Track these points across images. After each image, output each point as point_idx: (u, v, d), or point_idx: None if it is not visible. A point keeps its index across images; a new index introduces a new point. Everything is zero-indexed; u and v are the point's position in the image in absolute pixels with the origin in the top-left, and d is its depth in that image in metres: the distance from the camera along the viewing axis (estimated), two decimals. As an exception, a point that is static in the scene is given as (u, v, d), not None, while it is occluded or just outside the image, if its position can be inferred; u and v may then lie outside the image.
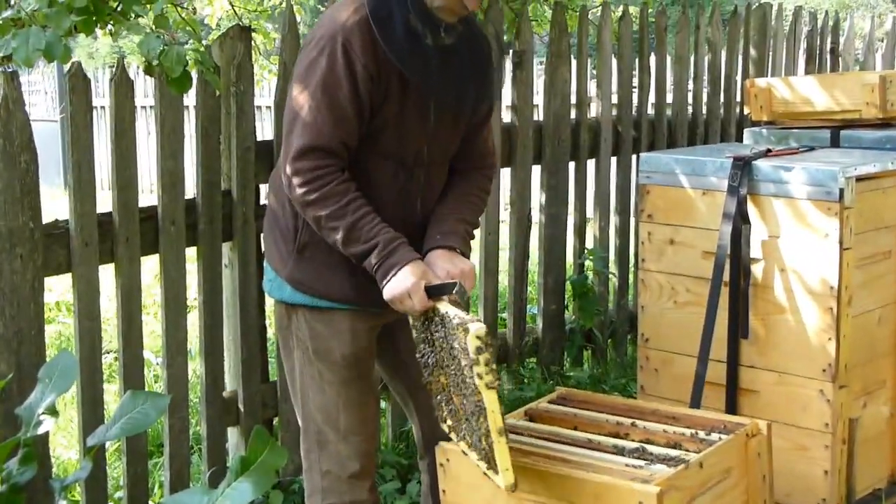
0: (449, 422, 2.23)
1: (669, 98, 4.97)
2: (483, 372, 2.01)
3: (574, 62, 4.45)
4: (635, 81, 4.81)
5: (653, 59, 4.90)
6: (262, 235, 2.65)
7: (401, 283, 2.14)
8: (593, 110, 4.65)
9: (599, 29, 4.61)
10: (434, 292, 2.17)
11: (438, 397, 2.24)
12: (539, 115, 4.33)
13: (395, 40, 2.13)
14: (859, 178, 3.06)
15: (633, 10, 5.64)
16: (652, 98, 4.86)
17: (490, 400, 2.03)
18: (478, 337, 2.01)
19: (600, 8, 4.77)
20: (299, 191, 2.16)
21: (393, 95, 2.19)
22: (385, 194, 2.27)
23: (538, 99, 4.38)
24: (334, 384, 2.36)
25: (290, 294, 2.34)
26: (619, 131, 4.68)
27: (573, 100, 4.46)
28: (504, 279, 4.35)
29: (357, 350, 2.35)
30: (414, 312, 2.18)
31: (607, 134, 4.60)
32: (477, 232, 4.12)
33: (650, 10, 4.93)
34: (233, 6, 4.90)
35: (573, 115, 4.49)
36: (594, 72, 4.85)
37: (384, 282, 2.17)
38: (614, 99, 4.71)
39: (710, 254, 3.20)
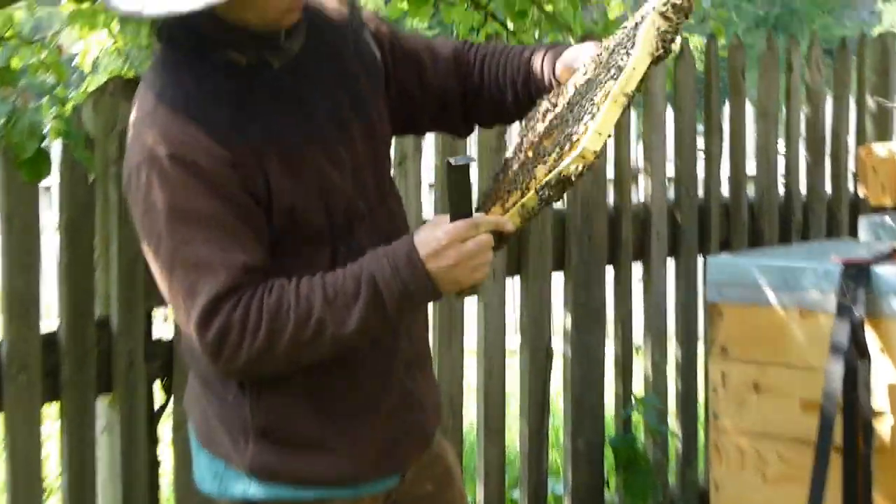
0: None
1: (751, 170, 5.13)
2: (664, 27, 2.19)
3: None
4: (700, 146, 4.97)
5: (726, 113, 5.07)
6: (184, 400, 2.68)
7: (441, 258, 2.19)
8: (640, 191, 4.80)
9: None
10: (459, 212, 2.22)
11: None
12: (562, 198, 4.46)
13: (221, 107, 2.25)
14: None
15: (697, 41, 5.85)
16: (726, 171, 5.01)
17: (643, 62, 2.19)
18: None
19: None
20: (238, 358, 2.20)
21: (272, 159, 2.29)
22: None
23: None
24: None
25: (256, 489, 2.38)
26: (677, 221, 4.81)
27: (610, 174, 4.61)
28: (514, 441, 4.41)
29: None
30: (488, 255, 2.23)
31: (660, 225, 4.74)
32: (471, 371, 4.24)
33: (721, 43, 5.10)
34: (115, 40, 5.01)
35: (610, 197, 4.63)
36: (641, 133, 5.00)
37: (426, 284, 2.20)
38: (670, 172, 4.85)
39: (812, 404, 3.28)
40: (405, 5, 5.37)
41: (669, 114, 4.92)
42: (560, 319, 4.48)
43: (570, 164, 2.17)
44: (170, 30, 2.23)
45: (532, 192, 2.20)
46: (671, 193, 4.85)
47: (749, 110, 5.70)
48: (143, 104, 2.23)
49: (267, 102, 2.24)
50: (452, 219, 2.20)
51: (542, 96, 2.43)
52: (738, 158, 5.04)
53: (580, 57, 2.39)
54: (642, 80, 2.19)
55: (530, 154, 2.31)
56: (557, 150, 2.23)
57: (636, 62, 2.18)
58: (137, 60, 5.36)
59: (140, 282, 3.34)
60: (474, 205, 2.25)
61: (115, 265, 3.30)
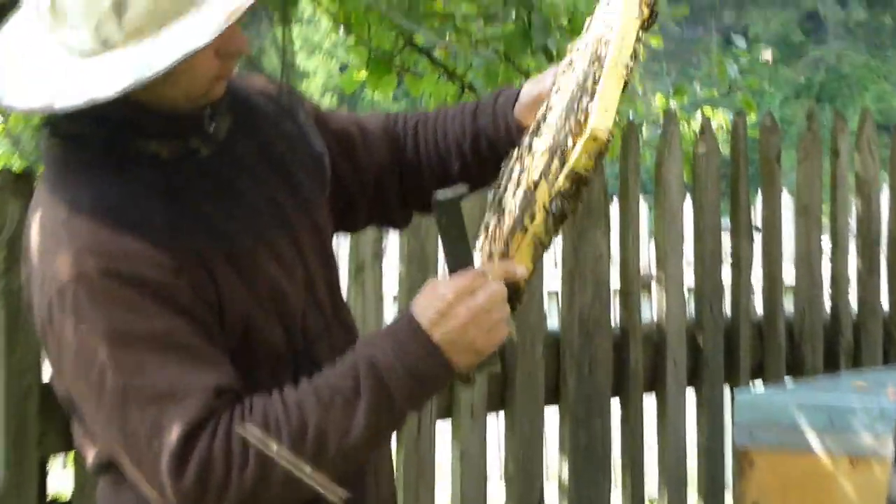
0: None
1: (789, 280, 5.18)
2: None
3: (617, 215, 4.68)
4: (727, 249, 5.02)
5: (758, 207, 5.13)
6: None
7: (449, 326, 2.20)
8: (653, 305, 4.83)
9: (660, 157, 4.80)
10: (458, 261, 2.25)
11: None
12: (554, 316, 4.48)
13: (151, 207, 2.26)
14: None
15: (722, 118, 5.94)
16: (758, 281, 5.07)
17: (630, 28, 2.27)
18: None
19: (661, 120, 4.98)
20: (226, 500, 2.20)
21: (218, 263, 2.31)
22: None
23: (552, 283, 4.54)
24: None
25: None
26: (697, 344, 4.85)
27: (614, 284, 4.64)
28: None
29: None
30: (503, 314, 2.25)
31: (678, 350, 4.77)
32: None
33: (751, 121, 5.17)
34: (5, 119, 5.07)
35: (615, 313, 4.68)
36: (652, 232, 5.05)
37: (437, 358, 2.22)
38: (689, 282, 4.90)
39: (867, 576, 3.33)
40: (363, 75, 5.43)
41: (688, 208, 4.95)
42: (555, 465, 4.49)
43: (581, 153, 2.18)
44: (69, 122, 2.21)
45: (540, 213, 2.23)
46: (691, 309, 4.89)
47: (786, 204, 5.76)
48: (50, 215, 2.21)
49: (202, 197, 2.24)
50: (451, 271, 2.22)
51: (512, 146, 2.47)
52: (772, 265, 5.09)
53: (540, 87, 2.49)
54: (635, 55, 2.27)
55: (526, 181, 2.34)
56: (559, 153, 2.25)
57: (623, 29, 2.26)
58: (30, 147, 5.42)
59: (32, 423, 3.35)
60: (475, 251, 2.32)
61: (1, 402, 3.32)
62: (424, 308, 2.20)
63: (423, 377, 2.19)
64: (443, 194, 2.21)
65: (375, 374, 2.17)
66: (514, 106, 2.53)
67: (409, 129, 2.65)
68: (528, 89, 2.52)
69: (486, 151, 2.55)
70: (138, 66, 2.06)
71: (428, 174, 2.61)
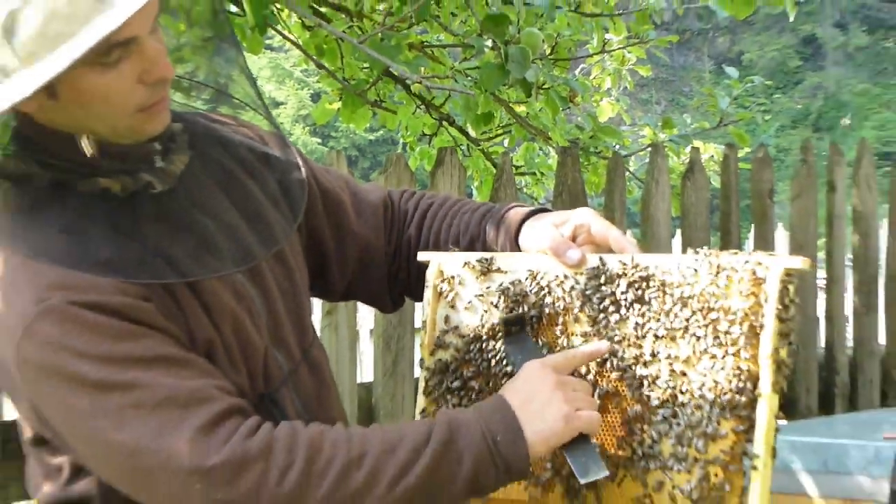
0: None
1: (783, 318, 5.24)
2: (781, 345, 2.30)
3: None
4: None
5: (750, 243, 5.19)
6: None
7: (549, 414, 2.26)
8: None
9: (647, 192, 4.90)
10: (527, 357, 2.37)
11: None
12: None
13: (108, 241, 2.30)
14: None
15: (712, 149, 5.99)
16: (750, 319, 5.12)
17: (772, 404, 2.30)
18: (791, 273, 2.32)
19: (648, 153, 5.05)
20: (259, 500, 2.23)
21: (183, 293, 2.36)
22: None
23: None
24: None
25: None
26: (689, 384, 4.90)
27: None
28: None
29: None
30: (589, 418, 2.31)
31: (668, 389, 4.82)
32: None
33: (742, 152, 5.24)
34: None
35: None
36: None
37: (514, 426, 2.26)
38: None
39: None
40: (335, 107, 5.46)
41: (676, 245, 5.00)
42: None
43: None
44: (13, 166, 2.27)
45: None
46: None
47: (780, 240, 5.82)
48: (6, 261, 2.23)
49: (158, 231, 2.29)
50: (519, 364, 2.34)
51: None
52: (765, 302, 5.13)
53: (539, 241, 2.53)
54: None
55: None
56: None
57: (771, 403, 2.31)
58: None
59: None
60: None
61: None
62: (515, 390, 2.27)
63: (496, 442, 2.21)
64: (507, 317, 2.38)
65: (450, 426, 2.21)
66: (519, 229, 2.58)
67: (418, 211, 2.73)
68: (527, 238, 2.57)
69: (475, 250, 2.62)
70: (14, 90, 2.11)
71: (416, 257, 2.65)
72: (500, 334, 2.45)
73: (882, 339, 5.48)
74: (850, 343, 5.41)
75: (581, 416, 2.24)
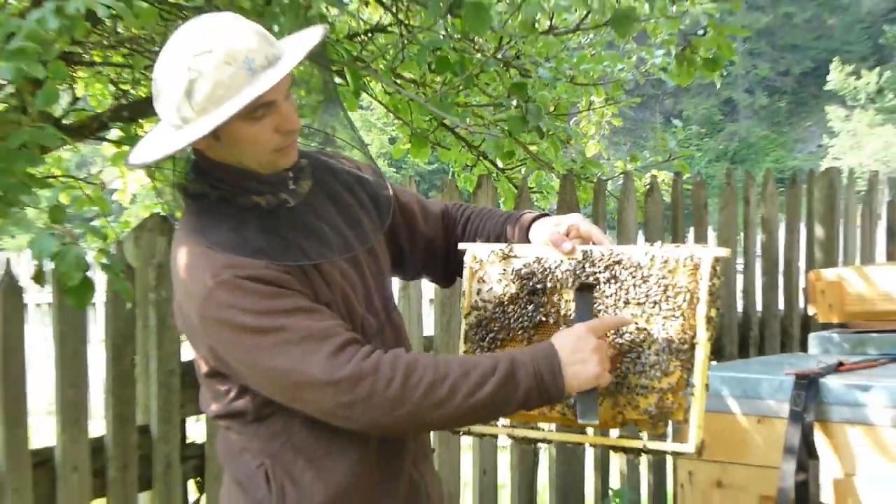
0: None
1: (714, 291, 5.21)
2: (711, 309, 2.33)
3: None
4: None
5: (690, 240, 5.18)
6: (219, 498, 2.69)
7: (583, 362, 2.28)
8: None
9: (621, 205, 4.89)
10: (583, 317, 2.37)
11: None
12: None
13: (260, 239, 2.34)
14: (956, 400, 3.17)
15: (664, 176, 5.97)
16: (691, 292, 5.10)
17: (706, 349, 2.32)
18: (717, 259, 2.33)
19: (622, 178, 5.04)
20: (371, 401, 2.19)
21: (311, 273, 2.39)
22: None
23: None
24: None
25: None
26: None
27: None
28: (505, 532, 4.44)
29: None
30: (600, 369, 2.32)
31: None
32: (468, 469, 4.25)
33: (685, 177, 5.22)
34: (153, 178, 5.13)
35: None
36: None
37: (557, 375, 2.28)
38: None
39: (769, 499, 3.31)
40: (406, 146, 5.50)
41: (640, 241, 4.99)
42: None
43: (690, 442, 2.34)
44: (194, 187, 2.34)
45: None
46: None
47: (711, 237, 5.79)
48: (191, 250, 2.31)
49: (293, 233, 2.35)
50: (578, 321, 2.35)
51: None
52: (701, 280, 5.10)
53: (543, 236, 2.54)
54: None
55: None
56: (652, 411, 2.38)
57: (705, 351, 2.33)
58: (168, 199, 5.47)
59: (176, 393, 3.41)
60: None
61: (154, 379, 3.37)
62: (563, 343, 2.28)
63: (543, 380, 2.24)
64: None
65: (513, 363, 2.24)
66: (529, 228, 2.61)
67: (463, 217, 2.75)
68: (534, 234, 2.59)
69: (499, 242, 2.65)
70: (191, 133, 2.17)
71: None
72: (536, 294, 2.48)
73: (781, 305, 5.44)
74: (759, 308, 5.38)
75: (606, 376, 2.27)
